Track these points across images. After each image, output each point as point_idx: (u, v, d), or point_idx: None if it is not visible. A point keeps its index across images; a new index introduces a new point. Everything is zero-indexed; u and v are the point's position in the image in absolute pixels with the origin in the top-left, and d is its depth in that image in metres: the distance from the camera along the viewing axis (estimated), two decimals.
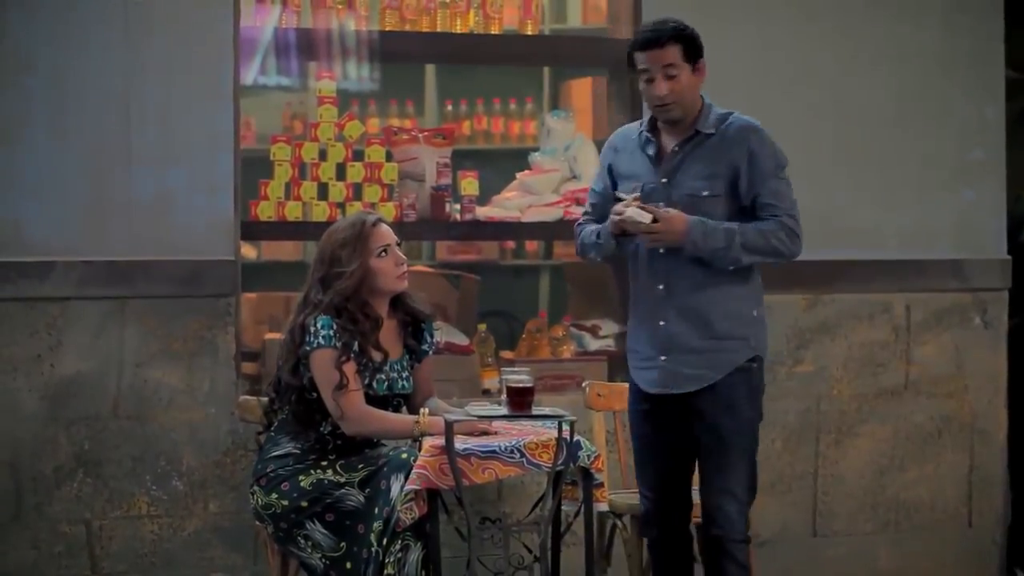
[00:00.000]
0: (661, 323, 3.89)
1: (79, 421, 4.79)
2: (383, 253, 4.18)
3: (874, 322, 5.42)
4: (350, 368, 4.08)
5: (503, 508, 4.85)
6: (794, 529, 5.34)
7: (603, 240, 3.97)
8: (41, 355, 4.79)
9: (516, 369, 3.97)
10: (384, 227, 4.21)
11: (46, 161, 4.77)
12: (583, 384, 4.71)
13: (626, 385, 4.78)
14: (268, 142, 5.11)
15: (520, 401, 3.90)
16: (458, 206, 5.24)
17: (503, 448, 3.92)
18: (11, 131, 4.77)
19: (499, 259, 7.44)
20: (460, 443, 3.93)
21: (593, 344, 5.44)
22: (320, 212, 5.04)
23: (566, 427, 3.95)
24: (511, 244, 7.50)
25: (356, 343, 4.11)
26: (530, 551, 4.38)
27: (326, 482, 4.05)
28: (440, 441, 3.89)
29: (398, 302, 4.29)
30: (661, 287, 3.90)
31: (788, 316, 5.36)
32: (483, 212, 5.29)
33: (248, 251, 7.06)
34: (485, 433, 4.03)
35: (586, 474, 4.01)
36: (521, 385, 3.91)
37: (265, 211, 5.05)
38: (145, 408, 4.83)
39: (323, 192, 5.08)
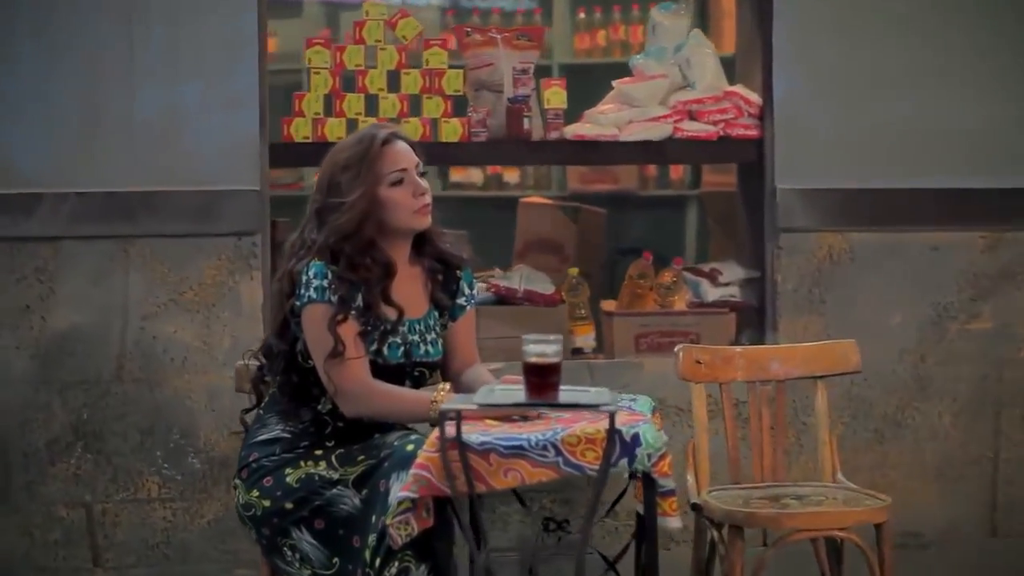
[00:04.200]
0: None
1: (76, 385, 4.11)
2: (398, 181, 3.24)
3: None
4: (348, 330, 3.16)
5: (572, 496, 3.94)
6: (967, 527, 4.40)
7: None
8: (30, 305, 4.11)
9: (540, 337, 2.91)
10: (400, 146, 3.27)
11: (32, 74, 4.07)
12: (676, 348, 3.69)
13: (737, 349, 3.79)
14: None
15: (540, 383, 2.87)
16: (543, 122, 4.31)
17: (533, 443, 2.92)
18: None
19: (638, 189, 6.55)
20: (479, 434, 2.95)
21: (711, 293, 4.43)
22: None
23: (624, 411, 2.93)
24: (652, 171, 6.63)
25: (359, 297, 3.19)
26: (604, 559, 3.45)
27: (316, 478, 3.15)
28: (449, 431, 2.92)
29: (424, 244, 3.34)
30: None
31: (961, 259, 4.39)
32: (571, 130, 4.31)
33: None
34: (525, 418, 3.05)
35: (648, 481, 2.98)
36: (542, 361, 2.87)
37: (300, 130, 4.23)
38: (154, 370, 4.12)
39: (372, 106, 4.24)
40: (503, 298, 4.34)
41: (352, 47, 4.23)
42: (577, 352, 4.37)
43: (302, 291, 3.20)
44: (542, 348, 2.87)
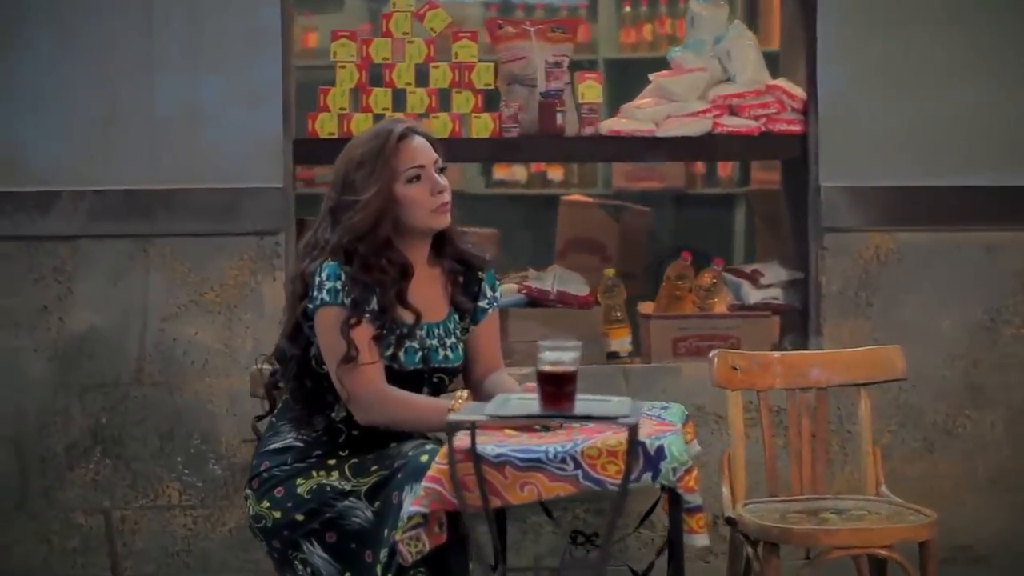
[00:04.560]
0: None
1: (94, 388, 4.01)
2: (415, 178, 3.09)
3: None
4: (362, 334, 3.02)
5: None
6: (1020, 541, 4.18)
7: None
8: (48, 306, 4.02)
9: (556, 343, 2.74)
10: (418, 141, 3.12)
11: (49, 68, 3.98)
12: (711, 353, 3.52)
13: (775, 354, 3.61)
14: None
15: (555, 392, 2.71)
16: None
17: (552, 455, 2.77)
18: (6, 31, 3.98)
19: (685, 187, 6.35)
20: (495, 445, 2.80)
21: (753, 295, 4.25)
22: None
23: (652, 420, 2.76)
24: (700, 168, 6.43)
25: (374, 299, 3.04)
26: (633, 572, 3.30)
27: (328, 489, 3.01)
28: (463, 442, 2.77)
29: (444, 244, 3.19)
30: None
31: (1015, 259, 4.19)
32: (607, 125, 4.15)
33: None
34: (546, 427, 2.90)
35: (675, 496, 2.81)
36: (557, 370, 2.70)
37: (325, 126, 4.10)
38: (174, 373, 4.02)
39: (399, 101, 4.10)
40: (535, 300, 4.19)
41: (379, 40, 4.10)
42: (612, 356, 4.22)
43: (315, 293, 3.06)
44: (557, 355, 2.69)
